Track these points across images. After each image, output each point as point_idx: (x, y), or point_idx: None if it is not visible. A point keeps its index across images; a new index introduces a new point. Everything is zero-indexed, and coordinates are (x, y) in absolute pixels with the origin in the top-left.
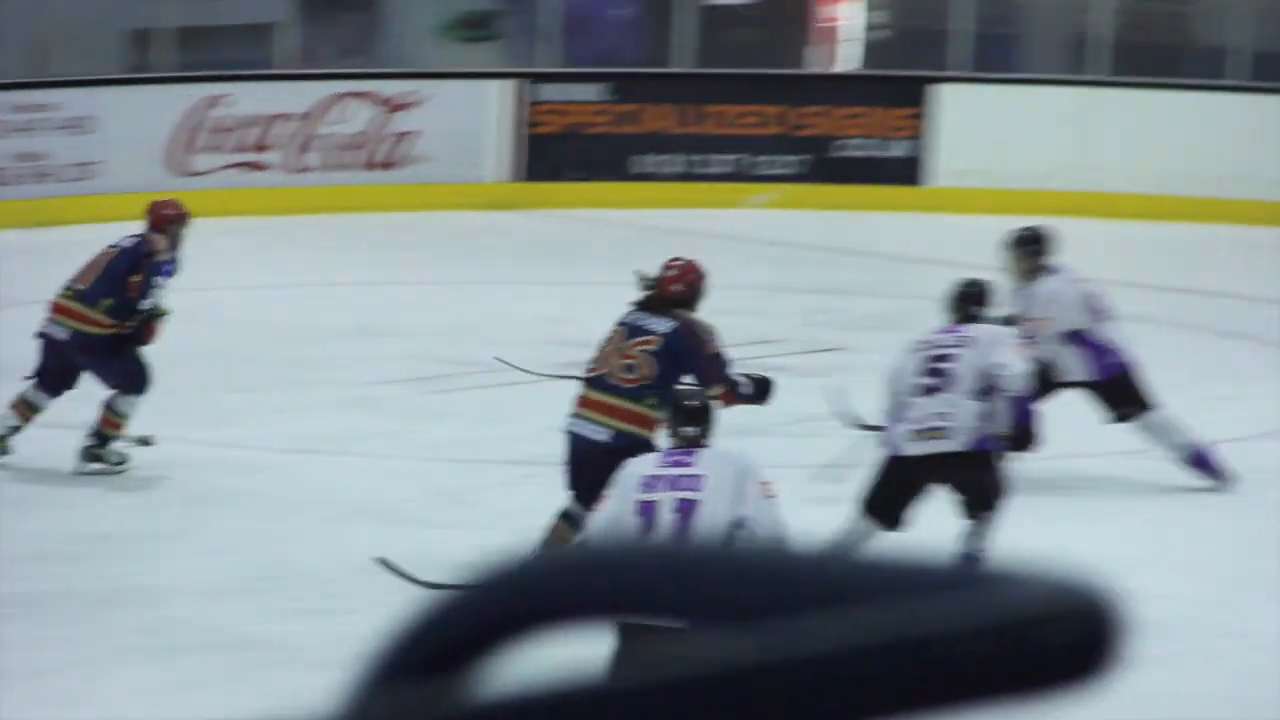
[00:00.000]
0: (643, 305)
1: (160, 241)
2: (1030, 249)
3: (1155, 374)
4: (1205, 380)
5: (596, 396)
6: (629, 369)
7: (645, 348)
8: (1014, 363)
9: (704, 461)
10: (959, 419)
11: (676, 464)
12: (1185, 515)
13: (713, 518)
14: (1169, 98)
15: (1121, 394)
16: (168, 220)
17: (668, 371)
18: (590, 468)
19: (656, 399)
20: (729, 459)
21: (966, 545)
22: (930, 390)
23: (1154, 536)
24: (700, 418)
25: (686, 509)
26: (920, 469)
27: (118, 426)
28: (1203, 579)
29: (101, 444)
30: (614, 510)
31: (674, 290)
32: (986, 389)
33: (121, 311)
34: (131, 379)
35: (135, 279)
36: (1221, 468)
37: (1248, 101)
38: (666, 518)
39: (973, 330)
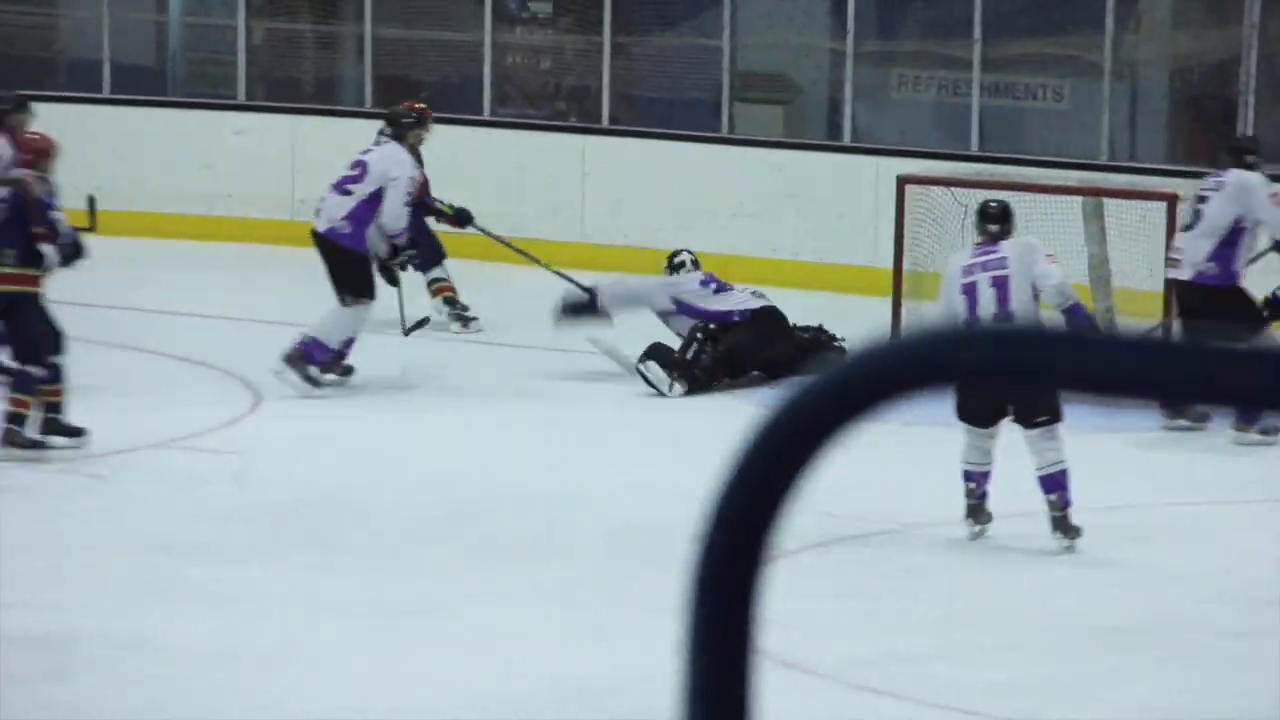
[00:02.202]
0: None
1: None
2: None
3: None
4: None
5: None
6: None
7: None
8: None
9: (1005, 247)
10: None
11: (986, 253)
12: None
13: (1019, 288)
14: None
15: None
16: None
17: None
18: None
19: None
20: (1022, 242)
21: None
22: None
23: None
24: (1000, 218)
25: (1001, 283)
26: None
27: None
28: None
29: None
30: (944, 298)
31: None
32: None
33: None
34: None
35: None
36: None
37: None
38: (986, 293)
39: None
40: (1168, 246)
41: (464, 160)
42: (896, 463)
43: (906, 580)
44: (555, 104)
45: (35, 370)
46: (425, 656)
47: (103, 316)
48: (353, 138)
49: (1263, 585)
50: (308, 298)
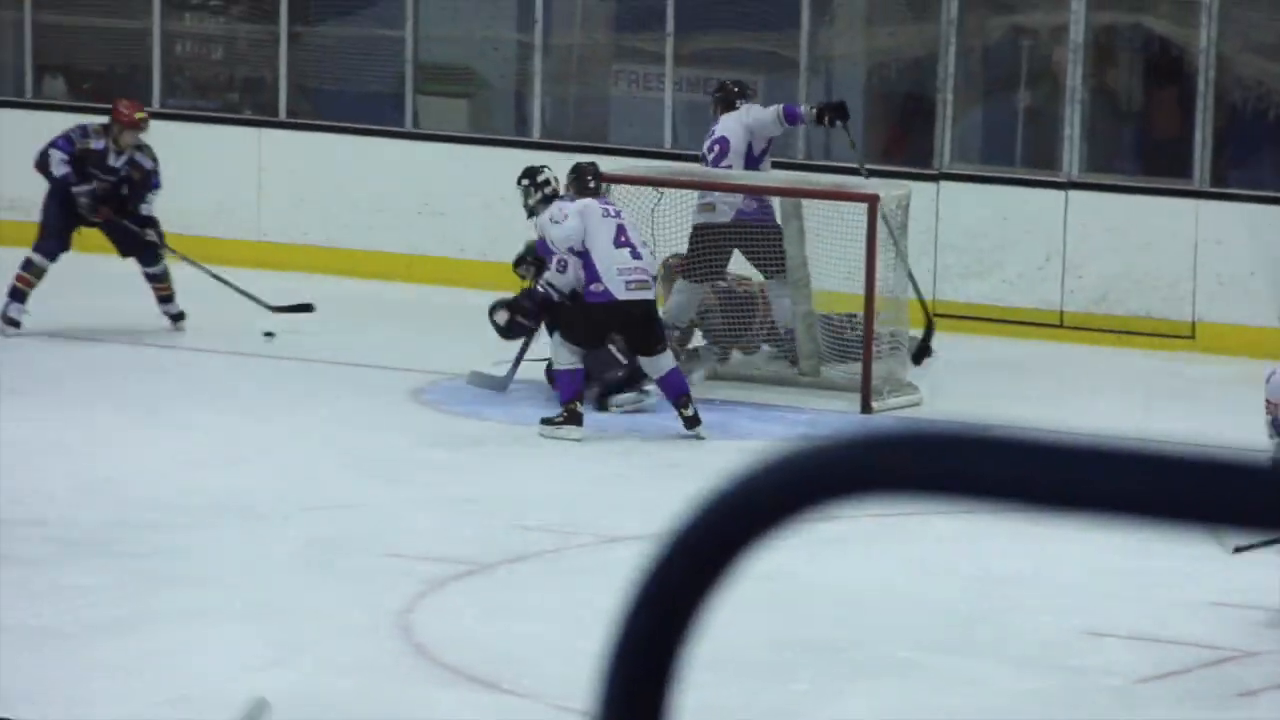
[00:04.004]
0: None
1: None
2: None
3: None
4: None
5: None
6: None
7: None
8: None
9: None
10: None
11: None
12: None
13: None
14: None
15: None
16: None
17: None
18: None
19: None
20: None
21: None
22: None
23: None
24: None
25: None
26: None
27: None
28: None
29: None
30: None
31: None
32: None
33: None
34: None
35: None
36: None
37: None
38: None
39: None
40: (868, 247)
41: None
42: (595, 475)
43: (604, 597)
44: (228, 95)
45: None
46: (102, 676)
47: None
48: (13, 128)
49: (968, 600)
50: None
